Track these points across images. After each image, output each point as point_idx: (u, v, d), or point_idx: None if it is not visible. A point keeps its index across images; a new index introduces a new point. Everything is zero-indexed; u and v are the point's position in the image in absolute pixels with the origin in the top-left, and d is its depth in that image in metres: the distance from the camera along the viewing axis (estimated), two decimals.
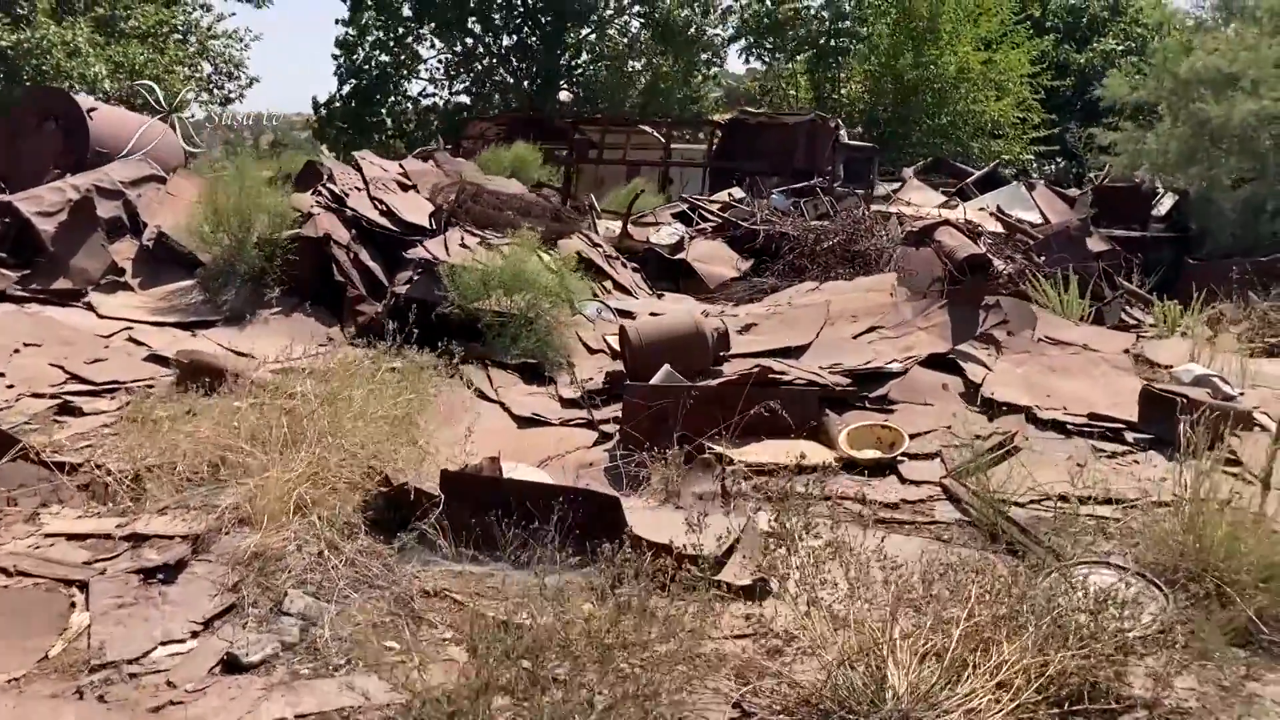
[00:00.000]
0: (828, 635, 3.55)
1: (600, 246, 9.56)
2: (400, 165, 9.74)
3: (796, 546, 4.06)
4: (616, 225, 12.20)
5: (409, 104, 36.72)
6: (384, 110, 35.74)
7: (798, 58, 31.52)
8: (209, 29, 28.73)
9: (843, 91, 30.32)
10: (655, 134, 18.38)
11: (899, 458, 5.84)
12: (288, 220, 8.19)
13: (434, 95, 37.08)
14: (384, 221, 8.51)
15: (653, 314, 8.23)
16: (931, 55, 26.43)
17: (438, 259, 7.61)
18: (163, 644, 3.63)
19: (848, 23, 30.16)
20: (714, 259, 11.13)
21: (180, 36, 28.40)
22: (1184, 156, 13.91)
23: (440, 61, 36.99)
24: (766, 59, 33.08)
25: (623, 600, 3.58)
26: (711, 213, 12.25)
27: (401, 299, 7.60)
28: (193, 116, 28.57)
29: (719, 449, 5.59)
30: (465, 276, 7.17)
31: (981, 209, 12.84)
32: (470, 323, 7.29)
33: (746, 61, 33.77)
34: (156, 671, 3.47)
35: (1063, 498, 5.19)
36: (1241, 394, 6.86)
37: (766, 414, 5.34)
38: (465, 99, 36.92)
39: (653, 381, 6.16)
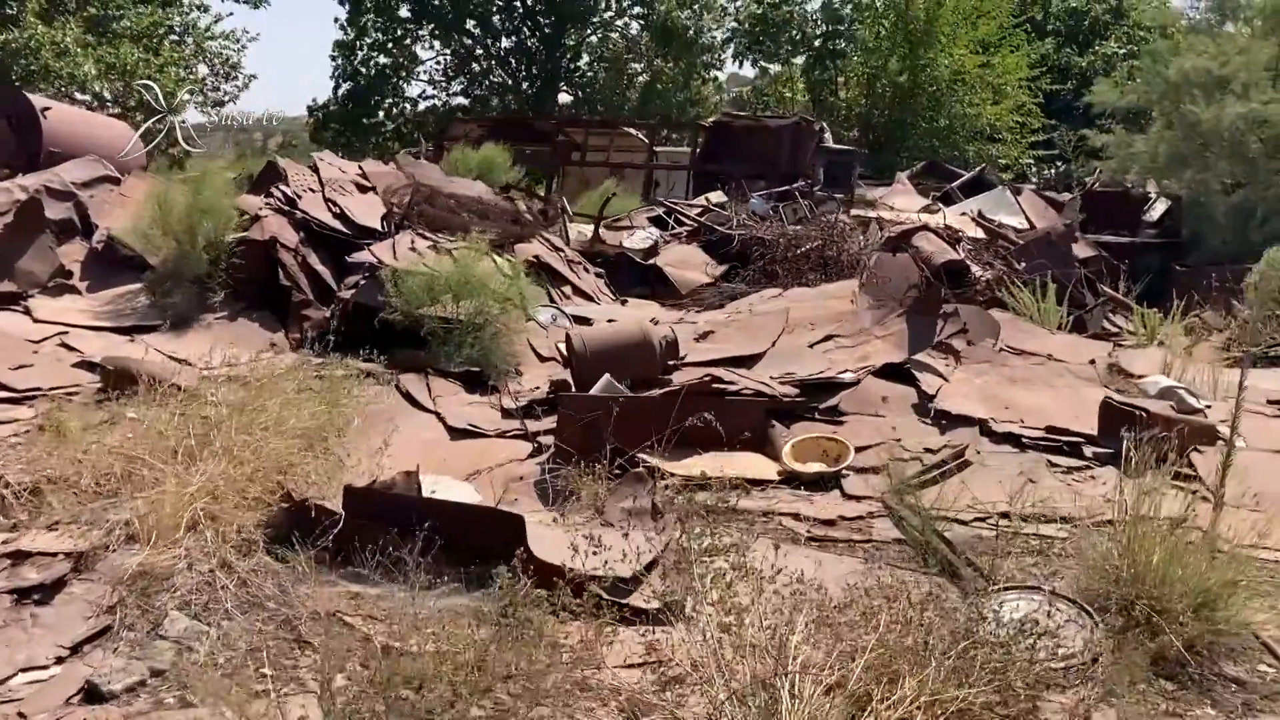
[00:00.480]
0: (727, 665, 3.36)
1: (562, 251, 9.38)
2: (359, 167, 9.57)
3: (699, 569, 3.90)
4: (590, 229, 12.02)
5: (407, 105, 36.66)
6: (382, 112, 35.67)
7: (794, 60, 31.31)
8: (206, 30, 28.68)
9: (841, 94, 30.10)
10: (639, 136, 18.21)
11: (843, 472, 5.65)
12: (234, 223, 8.03)
13: (433, 97, 37.09)
14: (336, 224, 8.33)
15: (610, 320, 8.04)
16: (927, 58, 26.22)
17: (382, 263, 7.44)
18: (23, 670, 3.45)
19: (844, 25, 29.91)
20: (687, 264, 10.94)
21: (176, 38, 28.33)
22: (1174, 161, 13.69)
23: (439, 63, 36.95)
24: (763, 62, 32.88)
25: (505, 628, 3.41)
26: (687, 217, 12.07)
27: (348, 304, 7.41)
28: (184, 120, 28.42)
29: (654, 462, 5.40)
30: (409, 281, 6.99)
31: (964, 214, 12.63)
32: (416, 329, 7.11)
33: (740, 65, 33.62)
34: (9, 701, 3.29)
35: (1005, 515, 5.01)
36: (1209, 406, 6.66)
37: (701, 425, 5.13)
38: (464, 101, 36.89)
39: (593, 391, 5.99)
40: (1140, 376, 7.86)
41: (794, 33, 30.41)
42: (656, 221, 12.35)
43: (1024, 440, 5.97)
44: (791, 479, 5.62)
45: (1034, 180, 29.01)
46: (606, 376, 5.98)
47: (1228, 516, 5.15)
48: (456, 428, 5.97)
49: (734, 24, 33.11)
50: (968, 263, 10.77)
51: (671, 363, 6.65)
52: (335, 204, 8.58)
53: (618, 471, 5.17)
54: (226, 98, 30.56)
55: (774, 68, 32.81)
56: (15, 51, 22.34)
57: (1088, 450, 5.99)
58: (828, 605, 3.62)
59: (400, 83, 36.19)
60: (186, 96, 27.39)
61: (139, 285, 8.22)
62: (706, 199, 13.29)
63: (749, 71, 36.12)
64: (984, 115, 26.54)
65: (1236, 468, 5.73)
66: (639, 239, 11.38)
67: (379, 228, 8.32)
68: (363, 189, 9.21)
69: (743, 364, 6.85)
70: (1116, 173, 15.09)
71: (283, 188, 8.58)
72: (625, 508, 5.11)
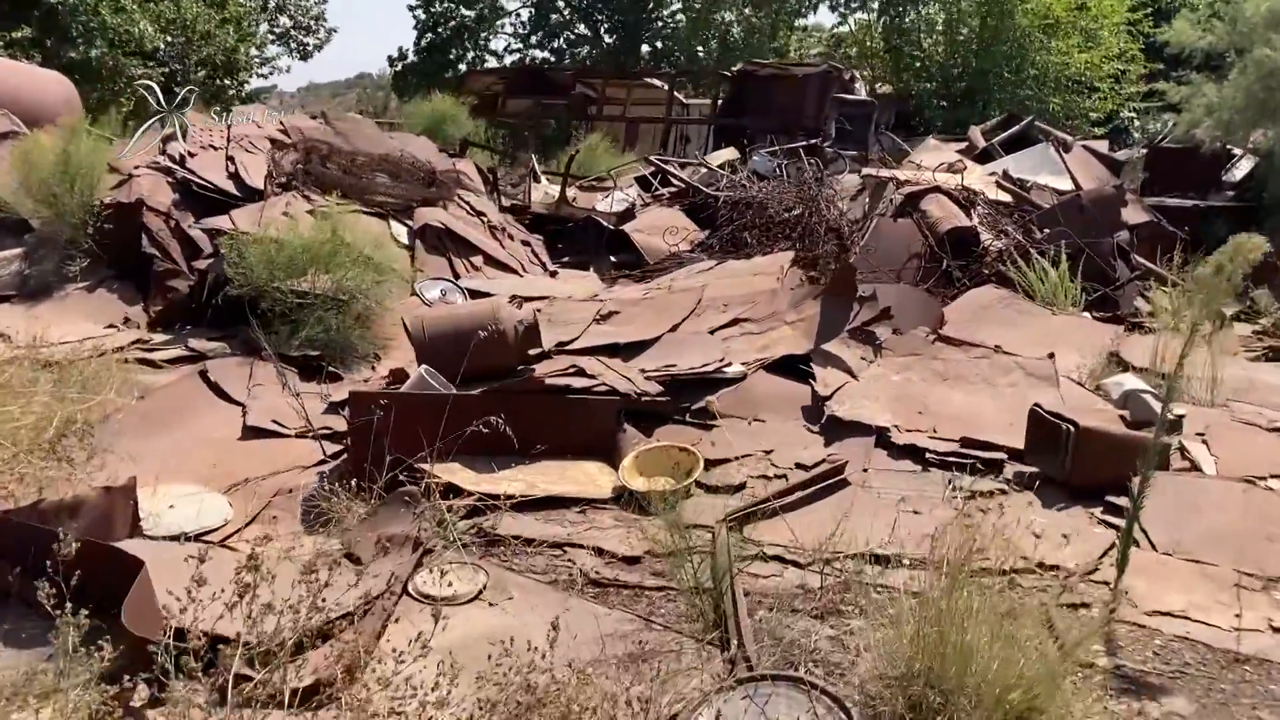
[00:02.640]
0: None
1: (483, 215, 8.52)
2: (280, 122, 8.86)
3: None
4: (574, 188, 11.16)
5: (490, 58, 36.26)
6: (464, 65, 35.28)
7: (871, 5, 29.61)
8: None
9: (922, 43, 28.28)
10: (661, 87, 17.13)
11: (692, 490, 4.74)
12: (103, 182, 7.40)
13: (516, 50, 36.71)
14: (228, 185, 7.64)
15: (515, 297, 7.22)
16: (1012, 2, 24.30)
17: (230, 229, 6.72)
18: None
19: None
20: (662, 230, 9.97)
21: None
22: (1252, 113, 12.10)
23: (521, 15, 36.50)
24: (842, 9, 31.28)
25: None
26: (675, 176, 11.07)
27: (207, 276, 6.73)
28: (245, 82, 28.45)
29: (448, 476, 4.58)
30: (251, 251, 6.25)
31: (991, 174, 11.35)
32: (274, 305, 6.38)
33: (815, 11, 32.13)
34: None
35: (864, 556, 4.05)
36: (1181, 416, 5.49)
37: (486, 430, 4.30)
38: (544, 54, 36.46)
39: (405, 385, 5.18)
40: (1141, 369, 6.74)
41: None
42: (643, 182, 11.39)
43: (929, 455, 4.95)
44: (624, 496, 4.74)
45: (1136, 134, 26.87)
46: (421, 370, 5.17)
47: (1146, 570, 4.10)
48: (251, 425, 5.22)
49: None
50: (977, 230, 9.60)
51: (534, 351, 5.77)
52: (233, 162, 7.89)
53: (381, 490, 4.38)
54: (312, 48, 30.73)
55: (854, 17, 31.16)
56: (73, 8, 22.51)
57: (1010, 470, 4.95)
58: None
59: (483, 35, 35.79)
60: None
61: (19, 250, 7.69)
62: (700, 156, 12.26)
63: (828, 19, 34.67)
64: (1074, 63, 24.52)
65: (1187, 501, 4.66)
66: (615, 201, 10.46)
67: (264, 189, 7.60)
68: (280, 146, 8.50)
69: (627, 352, 5.94)
70: (1190, 127, 13.46)
71: (177, 145, 7.93)
72: (387, 535, 4.31)
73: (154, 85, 12.27)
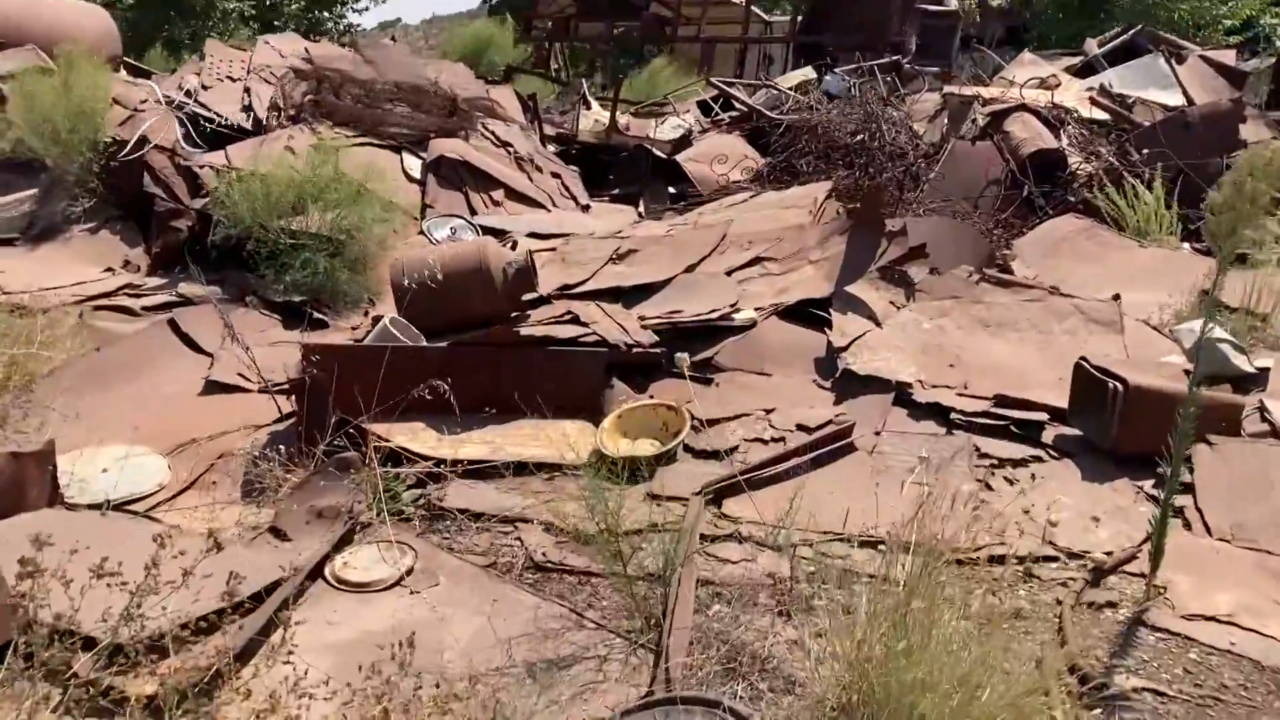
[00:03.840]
0: None
1: (509, 145, 8.00)
2: (305, 49, 8.45)
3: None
4: (628, 115, 10.57)
5: None
6: None
7: None
8: None
9: None
10: (740, 4, 16.20)
11: (674, 454, 4.25)
12: (111, 118, 7.13)
13: None
14: (241, 119, 7.31)
15: (532, 234, 6.75)
16: None
17: (223, 166, 6.37)
18: None
19: None
20: (721, 157, 9.32)
21: None
22: None
23: None
24: None
25: None
26: (738, 99, 10.35)
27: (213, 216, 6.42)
28: (342, 16, 28.28)
29: (399, 441, 4.18)
30: (236, 188, 5.90)
31: (1089, 90, 10.33)
32: (266, 247, 6.03)
33: None
34: None
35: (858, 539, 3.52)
36: (1263, 369, 4.75)
37: (430, 397, 3.88)
38: None
39: (370, 336, 4.79)
40: (1232, 311, 5.97)
41: None
42: (704, 107, 10.71)
43: (954, 415, 4.34)
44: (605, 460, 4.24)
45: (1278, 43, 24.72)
46: (386, 320, 4.75)
47: (1194, 561, 3.45)
48: (214, 379, 4.88)
49: None
50: (1064, 152, 8.72)
51: (527, 296, 5.30)
52: (248, 93, 7.55)
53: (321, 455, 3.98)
54: None
55: None
56: None
57: (1049, 434, 4.31)
58: None
59: None
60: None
61: (33, 191, 7.52)
62: (770, 78, 11.48)
63: None
64: None
65: (1257, 475, 3.95)
66: (669, 128, 9.84)
67: (265, 122, 7.23)
68: (303, 76, 8.12)
69: (634, 296, 5.43)
70: None
71: (190, 76, 7.61)
72: (319, 507, 3.92)
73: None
